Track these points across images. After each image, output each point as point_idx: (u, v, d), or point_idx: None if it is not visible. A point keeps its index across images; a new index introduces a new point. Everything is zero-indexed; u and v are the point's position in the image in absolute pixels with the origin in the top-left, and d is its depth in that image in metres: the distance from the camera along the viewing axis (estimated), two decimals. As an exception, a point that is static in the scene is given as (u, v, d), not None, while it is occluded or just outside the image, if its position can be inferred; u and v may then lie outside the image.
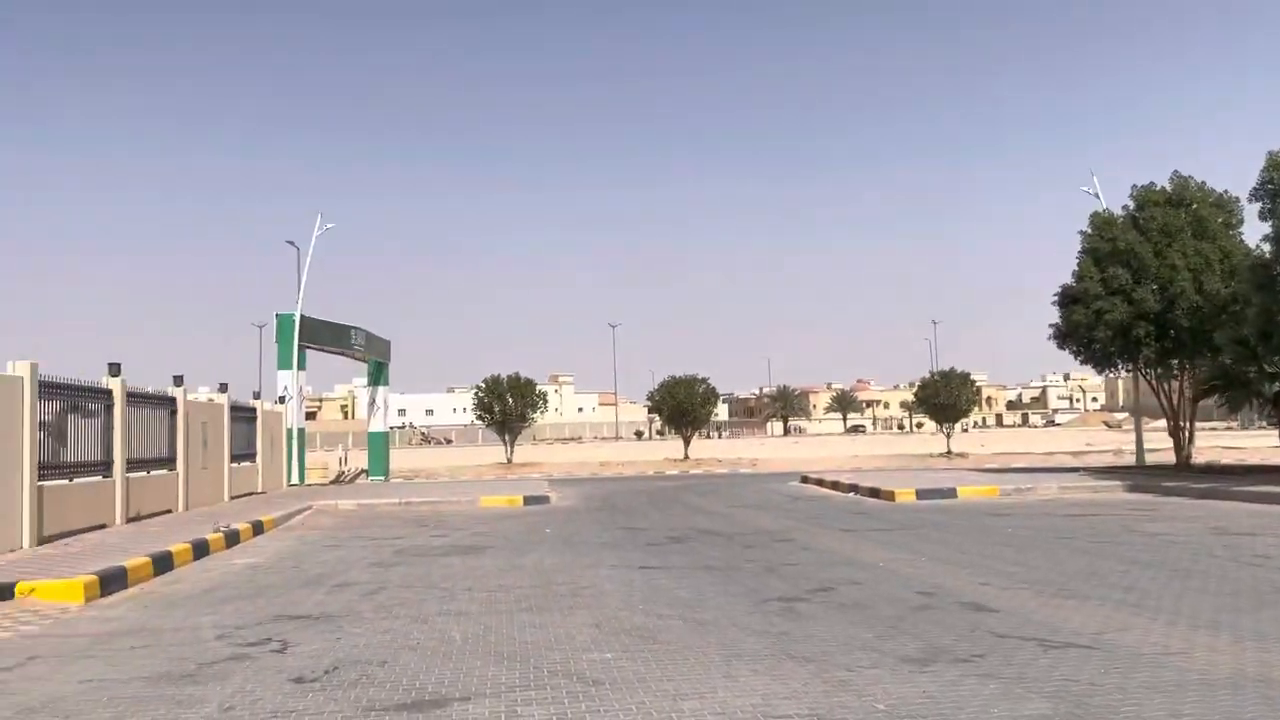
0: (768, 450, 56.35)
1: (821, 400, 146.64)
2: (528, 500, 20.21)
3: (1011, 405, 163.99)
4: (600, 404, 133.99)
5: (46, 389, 12.81)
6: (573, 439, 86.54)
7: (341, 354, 33.69)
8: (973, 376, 49.25)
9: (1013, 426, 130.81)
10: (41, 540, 12.29)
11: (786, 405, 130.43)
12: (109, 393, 14.97)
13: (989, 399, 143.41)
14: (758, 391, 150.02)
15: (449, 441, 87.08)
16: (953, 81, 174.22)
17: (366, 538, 14.07)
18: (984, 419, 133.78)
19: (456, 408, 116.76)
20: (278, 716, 5.10)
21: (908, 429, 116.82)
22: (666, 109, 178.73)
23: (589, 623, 7.45)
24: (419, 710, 5.16)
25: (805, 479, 26.07)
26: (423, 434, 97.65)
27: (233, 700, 5.42)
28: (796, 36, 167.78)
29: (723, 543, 12.70)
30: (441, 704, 5.27)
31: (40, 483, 12.41)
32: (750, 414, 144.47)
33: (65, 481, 13.42)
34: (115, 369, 15.29)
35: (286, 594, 9.13)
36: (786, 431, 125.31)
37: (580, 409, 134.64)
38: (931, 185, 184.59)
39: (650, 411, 59.59)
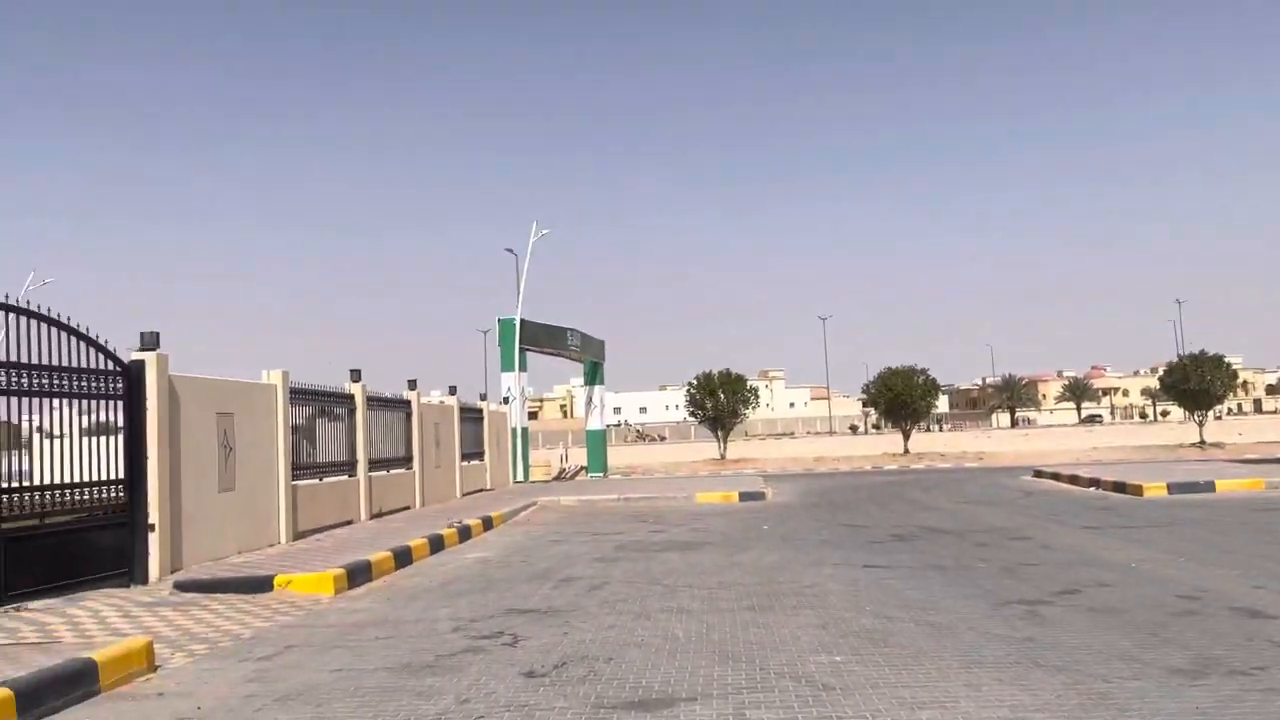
0: (994, 443, 53.65)
1: (1051, 389, 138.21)
2: (743, 496, 20.06)
3: (1272, 390, 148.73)
4: (812, 398, 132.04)
5: (296, 395, 13.84)
6: (785, 434, 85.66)
7: (558, 355, 34.75)
8: (1226, 359, 44.96)
9: (1274, 413, 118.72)
10: (296, 535, 13.29)
11: (1013, 395, 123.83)
12: (351, 397, 16.02)
13: (1245, 383, 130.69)
14: (980, 381, 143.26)
15: (663, 438, 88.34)
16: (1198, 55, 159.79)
17: (588, 533, 14.36)
18: (1239, 405, 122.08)
19: (669, 405, 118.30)
20: (511, 710, 5.19)
21: (1151, 418, 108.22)
22: (873, 98, 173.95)
23: (814, 623, 7.21)
24: (646, 710, 5.11)
25: (1039, 473, 24.54)
26: (638, 431, 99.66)
27: (468, 693, 5.57)
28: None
29: (952, 541, 12.08)
30: (669, 704, 5.20)
31: (294, 482, 13.42)
32: (973, 405, 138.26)
33: (316, 481, 14.46)
34: (356, 375, 16.35)
35: (515, 588, 9.40)
36: (1014, 423, 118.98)
37: (791, 404, 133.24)
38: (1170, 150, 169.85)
39: (865, 405, 58.14)
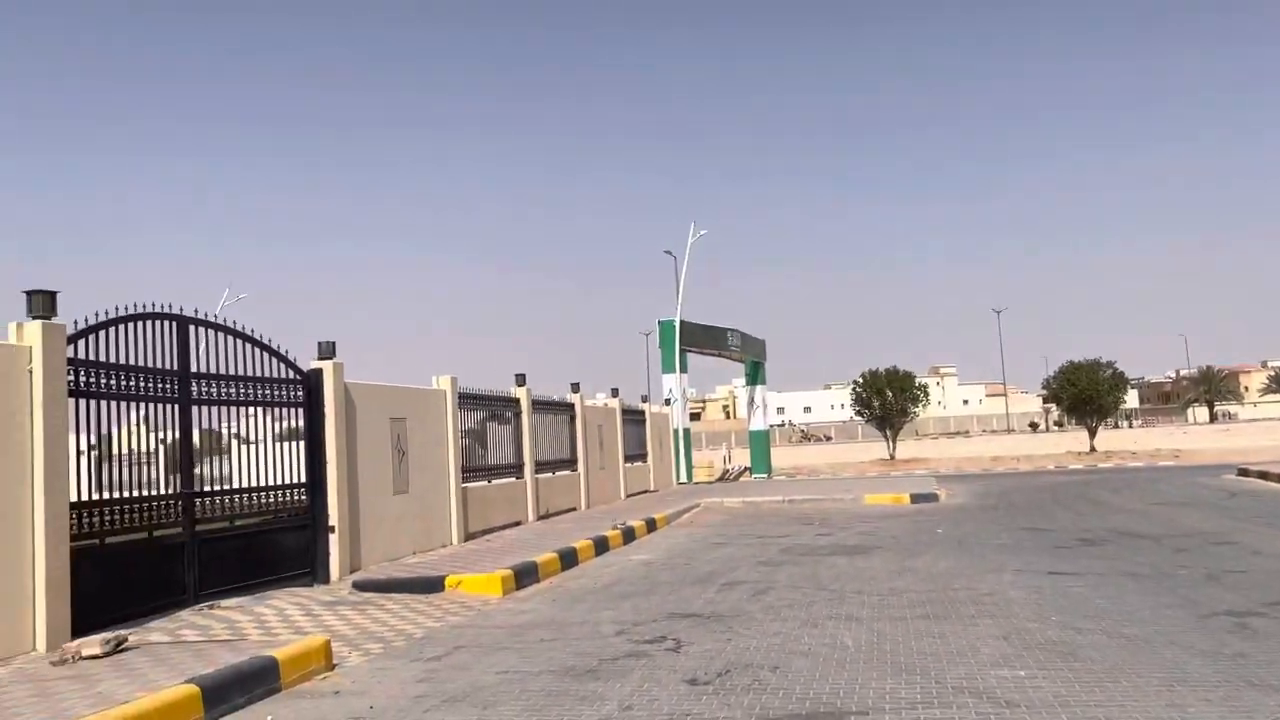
0: (1190, 440, 49.98)
1: (1255, 381, 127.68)
2: (914, 498, 19.35)
3: None
4: (988, 395, 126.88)
5: (464, 400, 14.24)
6: (958, 433, 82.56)
7: (719, 355, 34.63)
8: None
9: None
10: (467, 536, 13.66)
11: (1211, 388, 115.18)
12: (516, 401, 16.37)
13: None
14: (1173, 374, 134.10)
15: (828, 438, 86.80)
16: None
17: (752, 535, 14.14)
18: None
19: (834, 404, 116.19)
20: (674, 719, 5.07)
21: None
22: (1033, 86, 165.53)
23: (995, 634, 6.77)
24: (814, 723, 4.89)
25: (1244, 471, 22.62)
26: (802, 431, 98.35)
27: (631, 699, 5.49)
28: None
29: (1147, 545, 11.22)
30: (838, 717, 4.96)
31: (463, 484, 13.80)
32: (1165, 400, 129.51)
33: (485, 483, 14.83)
34: (521, 379, 16.70)
35: (678, 591, 9.31)
36: (1213, 418, 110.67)
37: (965, 401, 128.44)
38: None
39: (1046, 401, 55.36)
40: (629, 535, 13.97)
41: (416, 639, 7.51)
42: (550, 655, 6.77)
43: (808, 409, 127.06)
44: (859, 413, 44.66)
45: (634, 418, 23.96)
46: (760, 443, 35.48)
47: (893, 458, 42.25)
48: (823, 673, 5.90)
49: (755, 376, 36.71)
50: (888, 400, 42.11)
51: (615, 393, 22.97)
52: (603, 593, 9.51)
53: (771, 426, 44.69)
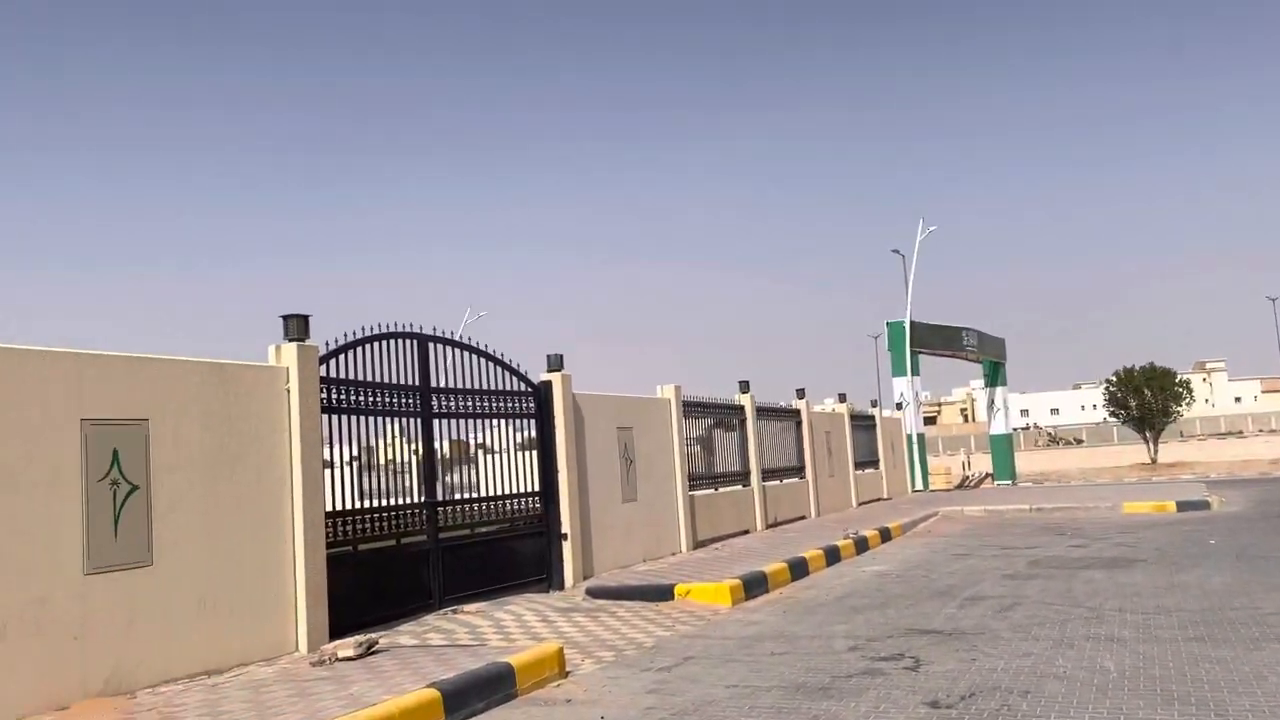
0: None
1: None
2: (1181, 505, 17.62)
3: None
4: (1264, 391, 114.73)
5: (688, 408, 14.28)
6: (1231, 434, 74.87)
7: (953, 357, 33.15)
8: None
9: None
10: (695, 545, 13.65)
11: None
12: (741, 408, 16.25)
13: None
14: None
15: (1078, 441, 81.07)
16: None
17: (996, 546, 13.31)
18: None
19: (1084, 405, 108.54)
20: (912, 745, 4.76)
21: None
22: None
23: (1288, 662, 5.96)
24: (1073, 757, 4.44)
25: None
26: (1049, 434, 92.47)
27: (866, 721, 5.21)
28: None
29: None
30: (1100, 752, 4.48)
31: (690, 493, 13.81)
32: None
33: (711, 491, 14.79)
34: (744, 386, 16.57)
35: (916, 605, 8.85)
36: None
37: (1237, 398, 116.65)
38: None
39: (1336, 396, 49.25)
40: (861, 545, 13.51)
41: (647, 648, 7.52)
42: (781, 670, 6.57)
43: (1055, 410, 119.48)
44: (1113, 413, 41.50)
45: (863, 423, 23.29)
46: (1002, 447, 33.59)
47: (1154, 461, 38.91)
48: (1081, 699, 5.37)
49: (995, 377, 34.81)
50: (1146, 399, 38.91)
51: (842, 398, 22.41)
52: (835, 605, 9.19)
53: (1014, 430, 42.21)
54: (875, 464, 23.74)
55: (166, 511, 6.54)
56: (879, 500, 23.03)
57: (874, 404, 25.51)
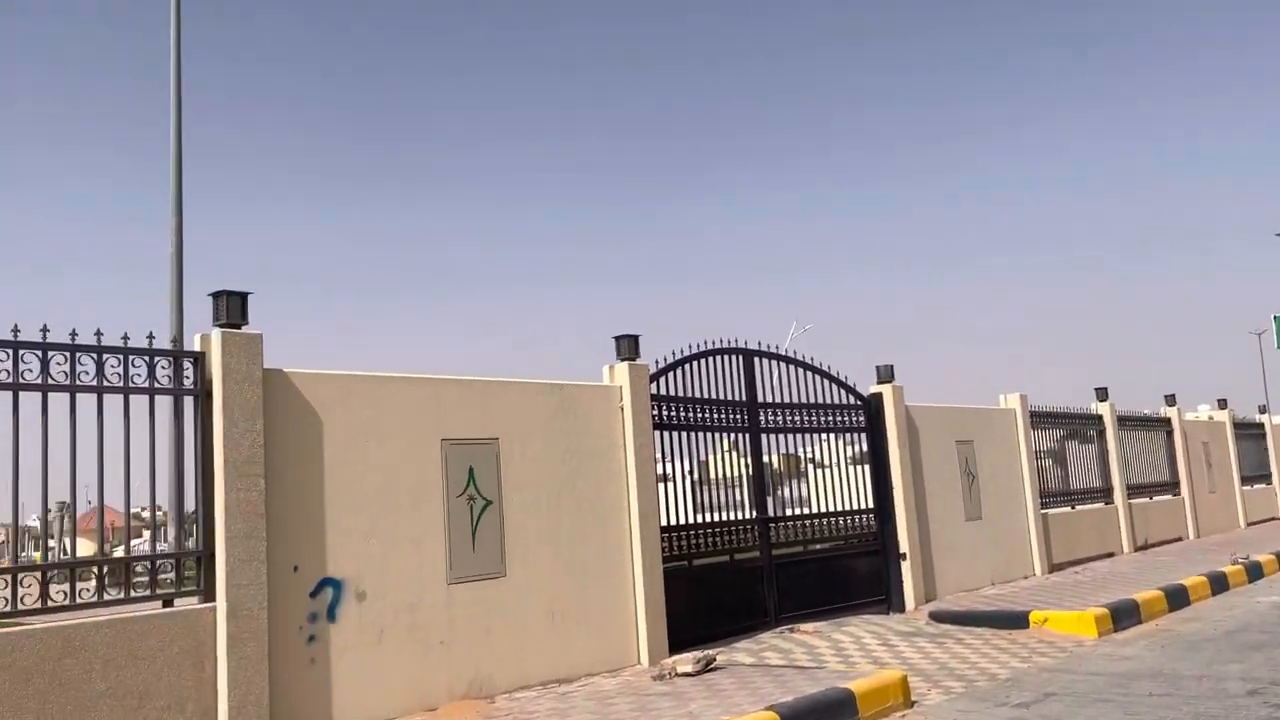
0: None
1: None
2: None
3: None
4: None
5: (1036, 418, 13.18)
6: None
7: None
8: None
9: None
10: (1051, 568, 12.52)
11: None
12: (1099, 418, 14.78)
13: None
14: None
15: None
16: None
17: None
18: None
19: None
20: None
21: None
22: None
23: None
24: None
25: None
26: None
27: (1279, 783, 4.38)
28: None
29: None
30: None
31: (1042, 510, 12.70)
32: None
33: (1067, 509, 13.53)
34: (1102, 393, 15.06)
35: (1333, 646, 7.47)
36: None
37: None
38: None
39: None
40: (1254, 571, 11.74)
41: (1001, 680, 6.91)
42: (1162, 714, 5.75)
43: None
44: None
45: (1249, 432, 20.41)
46: None
47: None
48: None
49: None
50: None
51: (1223, 404, 19.76)
52: (1224, 640, 7.99)
53: None
54: (1267, 478, 20.72)
55: (516, 526, 6.94)
56: (1273, 519, 20.06)
57: (1262, 409, 22.28)
